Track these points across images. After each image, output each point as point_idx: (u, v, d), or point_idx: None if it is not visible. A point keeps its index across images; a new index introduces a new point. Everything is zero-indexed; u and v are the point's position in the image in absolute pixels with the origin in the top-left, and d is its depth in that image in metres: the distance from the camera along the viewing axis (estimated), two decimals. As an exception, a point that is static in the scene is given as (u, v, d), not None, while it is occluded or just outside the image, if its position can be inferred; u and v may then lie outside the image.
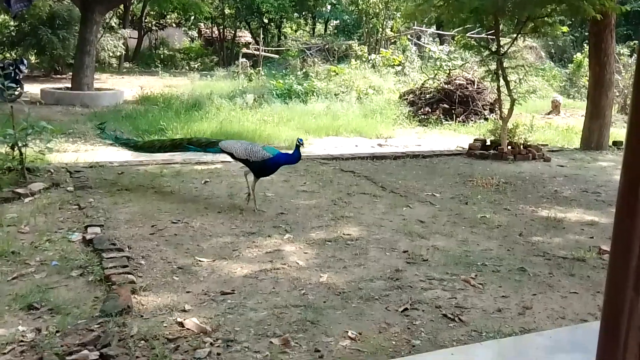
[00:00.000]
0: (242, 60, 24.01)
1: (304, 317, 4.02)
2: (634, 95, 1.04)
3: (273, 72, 21.49)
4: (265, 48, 27.29)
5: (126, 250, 5.15)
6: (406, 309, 4.22)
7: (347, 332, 3.83)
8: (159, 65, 27.75)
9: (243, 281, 4.65)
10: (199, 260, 5.06)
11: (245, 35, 37.08)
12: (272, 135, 11.85)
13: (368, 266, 5.07)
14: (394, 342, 3.74)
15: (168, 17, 35.77)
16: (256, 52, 25.99)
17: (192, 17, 34.80)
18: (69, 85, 17.36)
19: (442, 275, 4.92)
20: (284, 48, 27.28)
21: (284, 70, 21.80)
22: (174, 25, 36.85)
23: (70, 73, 18.27)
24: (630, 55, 21.70)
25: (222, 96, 15.69)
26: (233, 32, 35.77)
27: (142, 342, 3.63)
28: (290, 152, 6.85)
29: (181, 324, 3.85)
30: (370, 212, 6.85)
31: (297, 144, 6.66)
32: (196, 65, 29.81)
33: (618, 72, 17.06)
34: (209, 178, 8.18)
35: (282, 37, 33.91)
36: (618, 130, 14.31)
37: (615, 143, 12.36)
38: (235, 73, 22.00)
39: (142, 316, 3.98)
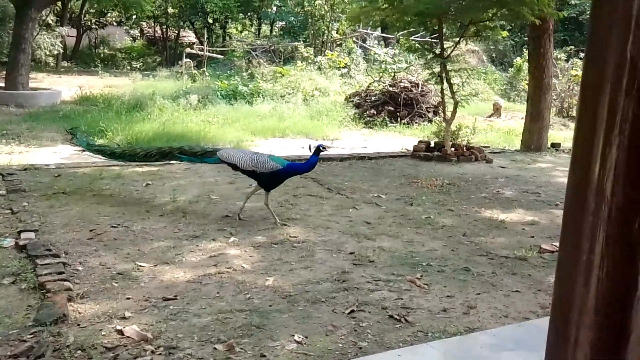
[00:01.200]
0: (185, 60, 23.62)
1: (250, 322, 3.93)
2: (580, 101, 1.03)
3: (218, 72, 21.22)
4: (210, 48, 26.93)
5: (62, 256, 4.93)
6: (353, 310, 4.19)
7: (294, 335, 3.77)
8: (99, 64, 26.96)
9: (186, 286, 4.52)
10: (140, 265, 4.89)
11: (189, 35, 36.52)
12: (216, 136, 11.67)
13: (315, 268, 5.02)
14: (340, 345, 3.69)
15: (108, 15, 34.82)
16: (200, 52, 25.63)
17: (134, 16, 33.99)
18: (2, 84, 16.64)
19: (388, 276, 4.92)
20: (228, 49, 26.99)
21: (229, 71, 21.55)
22: (114, 23, 35.90)
23: (4, 72, 17.51)
24: (567, 60, 22.45)
25: (165, 97, 15.36)
26: (176, 31, 35.15)
27: (79, 352, 3.46)
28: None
29: (121, 332, 3.70)
30: (317, 213, 6.80)
31: (320, 149, 6.34)
32: (138, 65, 29.10)
33: (555, 76, 17.61)
34: (151, 180, 7.96)
35: (227, 38, 33.55)
36: (556, 133, 14.77)
37: (553, 145, 12.74)
38: (178, 73, 21.60)
39: (79, 325, 3.80)
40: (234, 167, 6.55)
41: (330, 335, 3.82)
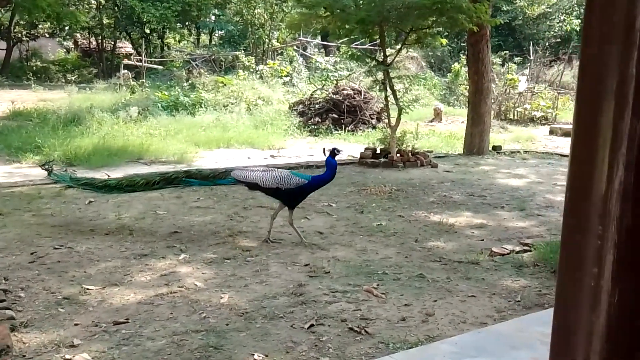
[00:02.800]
0: (123, 71, 23.03)
1: (206, 343, 3.80)
2: (576, 117, 0.99)
3: (157, 83, 20.76)
4: (148, 59, 26.38)
5: (2, 283, 4.66)
6: (312, 325, 4.12)
7: (253, 355, 3.67)
8: (32, 77, 25.94)
9: (137, 308, 4.34)
10: (87, 289, 4.67)
11: (126, 46, 35.64)
12: (160, 149, 11.39)
13: (270, 282, 4.92)
14: (302, 362, 3.61)
15: (40, 26, 33.61)
16: (138, 63, 25.05)
17: (67, 27, 32.94)
18: None
19: (345, 286, 4.88)
20: (167, 59, 26.52)
21: (168, 82, 21.13)
22: (47, 35, 34.67)
23: None
24: (502, 65, 23.17)
25: (104, 109, 14.89)
26: (113, 42, 34.27)
27: (25, 386, 3.25)
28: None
29: (70, 362, 3.50)
30: (269, 225, 6.69)
31: (335, 152, 6.11)
32: (73, 78, 28.18)
33: (492, 81, 18.12)
34: (93, 198, 7.66)
35: (166, 48, 32.95)
36: (496, 136, 15.13)
37: (494, 148, 13.06)
38: (116, 85, 21.01)
39: (24, 356, 3.59)
40: (253, 186, 6.19)
41: (291, 352, 3.73)
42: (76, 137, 11.95)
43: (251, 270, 5.22)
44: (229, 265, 5.33)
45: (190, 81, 20.25)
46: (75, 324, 4.04)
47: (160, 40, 35.11)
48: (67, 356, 3.55)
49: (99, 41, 33.84)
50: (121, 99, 16.92)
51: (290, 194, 6.05)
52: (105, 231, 6.26)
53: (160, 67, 25.60)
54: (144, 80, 21.19)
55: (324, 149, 6.44)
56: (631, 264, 0.87)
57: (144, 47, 28.31)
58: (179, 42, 34.43)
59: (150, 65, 25.46)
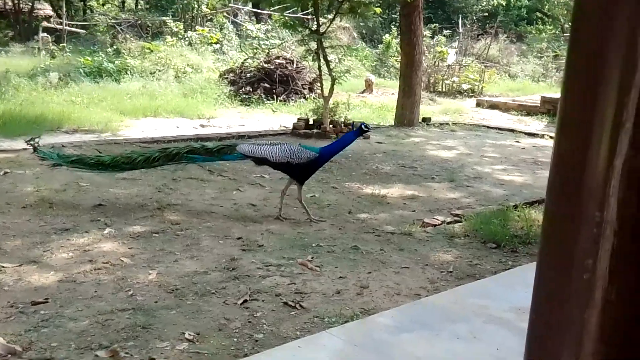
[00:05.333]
0: (42, 35, 21.73)
1: (134, 322, 3.61)
2: (569, 70, 0.88)
3: (80, 48, 19.74)
4: (70, 22, 25.03)
5: None
6: (245, 300, 4.00)
7: (184, 333, 3.51)
8: (-60, 40, 24.13)
9: (58, 287, 4.08)
10: (2, 266, 4.35)
11: (45, 8, 33.66)
12: (82, 117, 10.82)
13: (201, 257, 4.75)
14: (235, 339, 3.50)
15: (-52, -16, 31.21)
16: (59, 27, 23.73)
17: (-21, -15, 30.73)
18: None
19: (279, 260, 4.78)
20: (90, 23, 25.24)
21: (92, 47, 20.13)
22: (-44, -7, 32.27)
23: None
24: (432, 37, 23.39)
25: (21, 75, 14.01)
26: (30, 3, 32.29)
27: None
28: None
29: (-17, 347, 3.25)
30: (199, 197, 6.49)
31: (363, 127, 5.90)
32: (-13, 41, 26.44)
33: (422, 53, 18.27)
34: (9, 168, 7.18)
35: (88, 11, 31.37)
36: (425, 107, 15.28)
37: (424, 119, 13.19)
38: (35, 49, 19.83)
39: None
40: (261, 161, 5.93)
41: (224, 329, 3.61)
42: (-10, 103, 11.19)
43: (181, 244, 5.03)
44: (158, 240, 5.11)
45: (115, 47, 19.35)
46: (-11, 305, 3.76)
47: (82, 2, 33.37)
48: (-20, 340, 3.29)
49: (15, 2, 31.78)
50: (40, 63, 15.96)
51: (302, 168, 5.85)
52: (22, 204, 5.86)
53: (83, 31, 24.37)
54: (65, 44, 20.09)
55: (353, 122, 6.20)
56: (636, 256, 0.77)
57: (64, 9, 26.79)
58: (103, 5, 32.82)
59: (72, 29, 24.19)
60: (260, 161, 5.98)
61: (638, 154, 0.78)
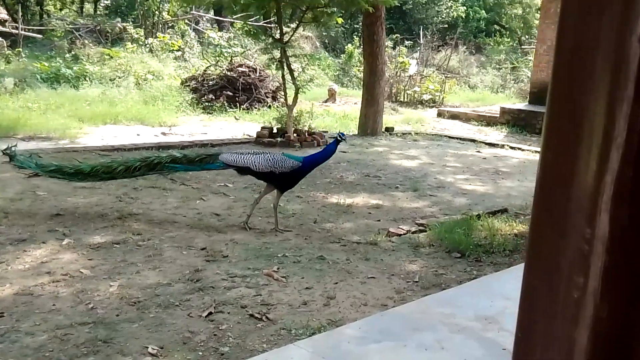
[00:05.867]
0: (-4, 39, 21.12)
1: (94, 336, 3.50)
2: (554, 81, 0.86)
3: (36, 53, 19.25)
4: (26, 27, 24.39)
5: None
6: (210, 312, 3.92)
7: (147, 347, 3.42)
8: None
9: (14, 300, 3.93)
10: (-46, 279, 4.17)
11: (-1, 11, 32.80)
12: (39, 124, 10.54)
13: (164, 268, 4.64)
14: (200, 353, 3.42)
15: None
16: (14, 31, 23.10)
17: None
18: None
19: (244, 271, 4.70)
20: (47, 27, 24.67)
21: (49, 52, 19.66)
22: None
23: None
24: (394, 48, 23.64)
25: (-26, 80, 13.59)
26: (-16, 6, 31.39)
27: None
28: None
29: None
30: (161, 207, 6.36)
31: (338, 137, 5.83)
32: (-62, 44, 25.55)
33: (385, 63, 18.44)
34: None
35: (45, 16, 30.67)
36: (387, 117, 15.39)
37: (387, 129, 13.28)
38: (-11, 54, 19.26)
39: None
40: (244, 170, 5.85)
41: (188, 342, 3.52)
42: (-59, 109, 10.81)
43: (143, 255, 4.90)
44: (119, 251, 4.98)
45: (73, 52, 18.96)
46: (-60, 321, 3.59)
47: (39, 7, 32.63)
48: None
49: (-32, 4, 30.86)
50: (-6, 68, 15.52)
51: (285, 177, 5.79)
52: (-25, 214, 5.65)
53: (40, 36, 23.79)
54: (20, 49, 19.57)
55: (339, 132, 6.19)
56: (627, 273, 0.76)
57: (20, 13, 26.13)
58: (60, 9, 32.18)
59: (28, 34, 23.57)
60: (243, 170, 5.94)
61: (630, 170, 0.76)
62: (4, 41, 21.32)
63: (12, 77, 14.07)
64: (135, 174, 5.93)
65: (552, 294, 0.81)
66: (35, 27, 25.52)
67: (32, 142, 9.61)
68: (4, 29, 24.51)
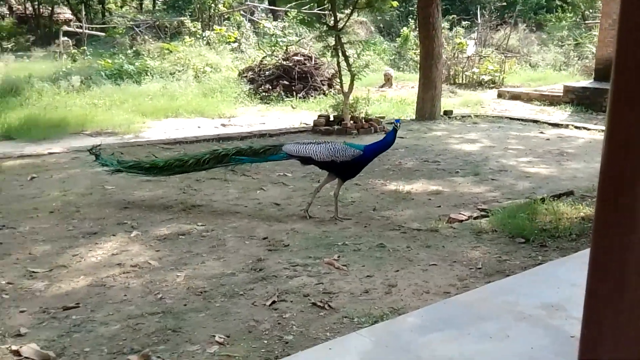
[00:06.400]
0: (63, 39, 21.98)
1: (164, 325, 3.63)
2: (614, 83, 0.84)
3: (100, 51, 19.93)
4: (89, 25, 25.25)
5: (-62, 269, 4.35)
6: (274, 301, 3.99)
7: (214, 336, 3.52)
8: (-37, 46, 24.51)
9: (88, 291, 4.12)
10: (33, 272, 4.41)
11: (64, 12, 34.04)
12: (105, 120, 10.94)
13: (228, 258, 4.76)
14: (265, 342, 3.49)
15: (-30, -8, 31.69)
16: (79, 30, 23.98)
17: (0, -8, 31.17)
18: None
19: (305, 260, 4.76)
20: (109, 25, 25.45)
21: (111, 49, 20.30)
22: (-23, 1, 32.75)
23: None
24: (450, 29, 23.16)
25: (44, 79, 14.18)
26: (50, 8, 32.66)
27: (-32, 382, 3.03)
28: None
29: (17, 353, 3.28)
30: (223, 197, 6.51)
31: (395, 126, 5.78)
32: (9, 46, 26.77)
33: (441, 45, 18.10)
34: (36, 173, 7.27)
35: (107, 14, 31.64)
36: (445, 100, 15.14)
37: (445, 112, 13.07)
38: (56, 53, 20.07)
39: (-35, 349, 3.34)
40: (306, 160, 5.95)
41: (253, 331, 3.60)
42: (15, 108, 11.37)
43: (207, 246, 5.04)
44: (184, 242, 5.13)
45: (134, 48, 19.51)
46: (21, 311, 3.80)
47: (100, 5, 33.69)
48: (14, 347, 3.32)
49: (35, 6, 32.23)
50: (62, 67, 16.14)
51: (346, 166, 5.83)
52: (50, 209, 5.94)
53: (102, 34, 24.58)
54: (85, 47, 20.30)
55: (399, 119, 6.16)
56: None
57: (83, 12, 27.06)
58: (121, 7, 33.12)
59: (92, 32, 24.41)
60: (305, 160, 5.99)
61: None
62: (70, 40, 22.18)
63: (78, 75, 14.62)
64: (204, 167, 6.12)
65: (619, 288, 0.80)
66: (97, 26, 26.39)
67: (99, 138, 9.97)
68: (69, 29, 25.49)
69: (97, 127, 10.57)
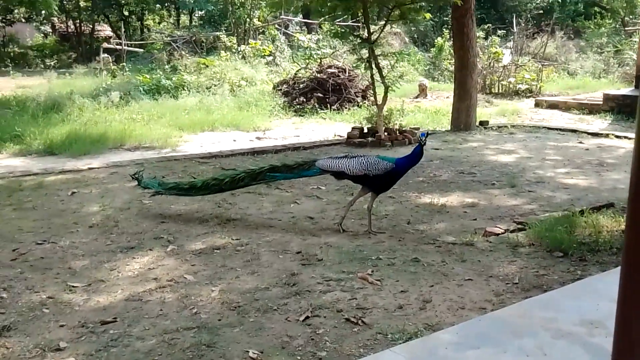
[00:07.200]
0: (103, 55, 22.59)
1: (199, 341, 3.66)
2: None
3: (138, 66, 20.40)
4: (128, 42, 25.87)
5: (-17, 283, 4.48)
6: (307, 317, 3.99)
7: (248, 351, 3.54)
8: (10, 64, 25.35)
9: (125, 305, 4.19)
10: (72, 286, 4.51)
11: (104, 29, 34.99)
12: (143, 134, 11.15)
13: (262, 273, 4.78)
14: (298, 358, 3.49)
15: (15, 11, 32.83)
16: (118, 47, 24.59)
17: (43, 11, 32.22)
18: None
19: (339, 274, 4.75)
20: (148, 41, 26.03)
21: (150, 65, 20.76)
22: (23, 20, 33.92)
23: None
24: (486, 38, 22.96)
25: (84, 95, 14.57)
26: (91, 25, 33.59)
27: (10, 395, 3.11)
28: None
29: (56, 367, 3.36)
30: (257, 211, 6.56)
31: (420, 140, 5.78)
32: (52, 63, 27.62)
33: (476, 55, 17.94)
34: (76, 188, 7.45)
35: (145, 30, 32.38)
36: (481, 110, 14.99)
37: (481, 123, 12.93)
38: (96, 69, 20.61)
39: (7, 363, 3.43)
40: (340, 175, 6.01)
41: (287, 347, 3.61)
42: (57, 124, 11.68)
43: (242, 260, 5.07)
44: (219, 256, 5.18)
45: (171, 63, 19.93)
46: (61, 325, 3.89)
47: (139, 22, 34.50)
48: (54, 361, 3.41)
49: (77, 25, 33.19)
50: (102, 83, 16.59)
51: (379, 179, 5.83)
52: (89, 223, 6.07)
53: (141, 49, 25.16)
54: (124, 63, 20.79)
55: (427, 132, 6.16)
56: None
57: (123, 29, 27.75)
58: (159, 23, 33.89)
59: (131, 49, 25.00)
60: (338, 175, 6.02)
61: None
62: (110, 57, 22.76)
63: (117, 90, 14.97)
64: (240, 185, 6.26)
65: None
66: (136, 42, 27.00)
67: (137, 152, 10.18)
68: (109, 46, 26.16)
69: (135, 142, 10.78)
